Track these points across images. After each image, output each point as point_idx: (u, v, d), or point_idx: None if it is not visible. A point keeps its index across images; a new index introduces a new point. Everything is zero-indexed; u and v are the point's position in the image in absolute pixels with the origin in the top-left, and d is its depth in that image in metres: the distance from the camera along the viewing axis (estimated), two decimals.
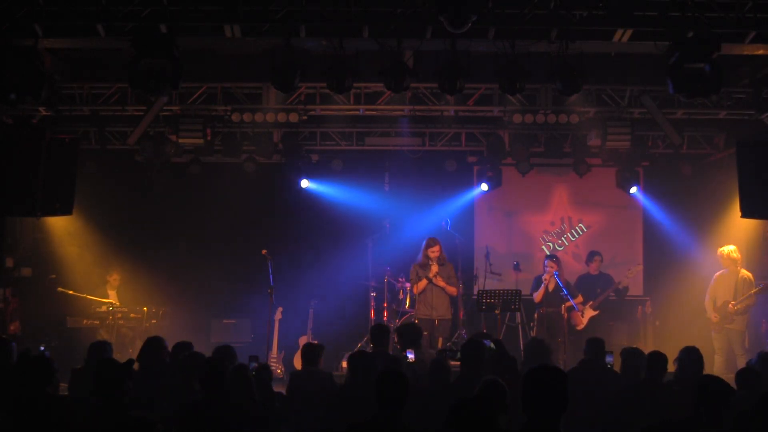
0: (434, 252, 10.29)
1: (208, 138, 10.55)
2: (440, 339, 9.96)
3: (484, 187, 11.72)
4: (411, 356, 7.26)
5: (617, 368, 6.77)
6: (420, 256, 10.46)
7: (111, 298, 10.91)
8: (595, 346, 6.93)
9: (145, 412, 4.53)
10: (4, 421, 4.22)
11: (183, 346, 6.81)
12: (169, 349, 6.87)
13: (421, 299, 10.32)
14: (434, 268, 10.20)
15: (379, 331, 7.78)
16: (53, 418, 4.98)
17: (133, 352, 8.79)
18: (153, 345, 6.68)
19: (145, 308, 10.67)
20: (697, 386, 4.68)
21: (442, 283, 10.18)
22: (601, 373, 6.75)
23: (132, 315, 10.57)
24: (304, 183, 11.54)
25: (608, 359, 6.93)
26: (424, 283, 10.25)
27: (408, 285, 10.62)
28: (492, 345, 6.69)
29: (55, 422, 5.00)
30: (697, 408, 4.59)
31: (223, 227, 11.79)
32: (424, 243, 10.44)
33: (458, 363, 6.62)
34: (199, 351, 6.79)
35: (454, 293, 10.50)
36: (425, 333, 8.93)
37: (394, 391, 4.50)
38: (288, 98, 10.45)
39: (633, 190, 11.53)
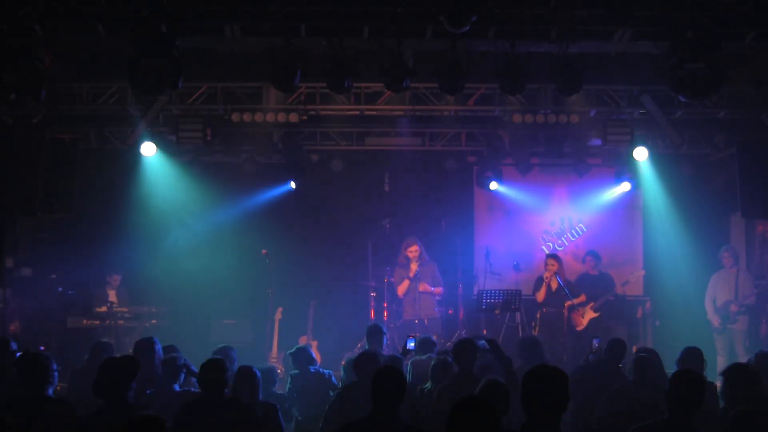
0: (412, 252, 10.39)
1: (208, 138, 10.55)
2: (434, 337, 9.98)
3: (494, 185, 11.68)
4: (411, 344, 7.26)
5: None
6: (399, 257, 10.56)
7: (111, 298, 10.91)
8: (617, 347, 6.90)
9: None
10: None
11: (167, 349, 6.80)
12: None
13: (407, 300, 10.42)
14: (413, 266, 10.30)
15: (375, 332, 7.79)
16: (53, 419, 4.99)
17: (133, 352, 8.78)
18: (145, 346, 6.67)
19: (144, 308, 10.68)
20: (669, 385, 4.62)
21: (428, 289, 10.32)
22: (614, 374, 6.72)
23: (132, 315, 10.58)
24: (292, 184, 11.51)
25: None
26: (406, 283, 10.36)
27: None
28: (486, 345, 6.64)
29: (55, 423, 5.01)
30: (670, 408, 4.54)
31: (223, 227, 11.78)
32: (402, 243, 10.54)
33: None
34: (199, 351, 6.81)
35: (440, 292, 10.57)
36: (417, 334, 8.95)
37: (390, 388, 4.48)
38: (288, 98, 10.45)
39: (625, 187, 11.51)
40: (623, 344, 6.98)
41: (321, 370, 7.40)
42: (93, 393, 5.14)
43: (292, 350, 7.55)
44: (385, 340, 7.98)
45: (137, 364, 5.35)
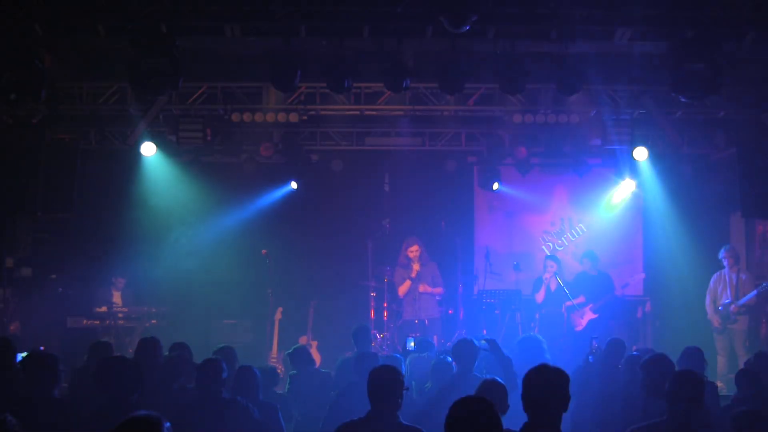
0: (413, 252, 10.39)
1: (208, 138, 10.55)
2: (434, 337, 10.00)
3: (496, 186, 11.68)
4: (411, 344, 7.25)
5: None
6: (400, 258, 10.56)
7: (115, 299, 10.92)
8: (616, 348, 6.91)
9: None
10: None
11: (175, 347, 6.80)
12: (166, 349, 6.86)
13: (407, 301, 10.42)
14: (416, 267, 10.30)
15: (361, 333, 7.77)
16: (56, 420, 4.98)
17: (133, 352, 8.77)
18: (147, 345, 6.67)
19: (144, 308, 10.68)
20: (668, 385, 4.61)
21: (428, 289, 10.30)
22: (613, 375, 6.72)
23: (132, 315, 10.58)
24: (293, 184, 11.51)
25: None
26: (407, 284, 10.36)
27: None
28: (486, 345, 6.62)
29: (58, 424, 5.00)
30: (669, 408, 4.54)
31: (223, 227, 11.78)
32: (403, 244, 10.54)
33: None
34: (199, 351, 6.79)
35: (440, 292, 10.58)
36: (417, 334, 8.95)
37: (387, 387, 4.47)
38: (288, 98, 10.46)
39: (630, 185, 11.50)
40: (623, 345, 6.98)
41: (321, 370, 7.40)
42: (97, 391, 5.13)
43: (290, 351, 7.55)
44: (371, 339, 7.96)
45: (139, 365, 5.34)
